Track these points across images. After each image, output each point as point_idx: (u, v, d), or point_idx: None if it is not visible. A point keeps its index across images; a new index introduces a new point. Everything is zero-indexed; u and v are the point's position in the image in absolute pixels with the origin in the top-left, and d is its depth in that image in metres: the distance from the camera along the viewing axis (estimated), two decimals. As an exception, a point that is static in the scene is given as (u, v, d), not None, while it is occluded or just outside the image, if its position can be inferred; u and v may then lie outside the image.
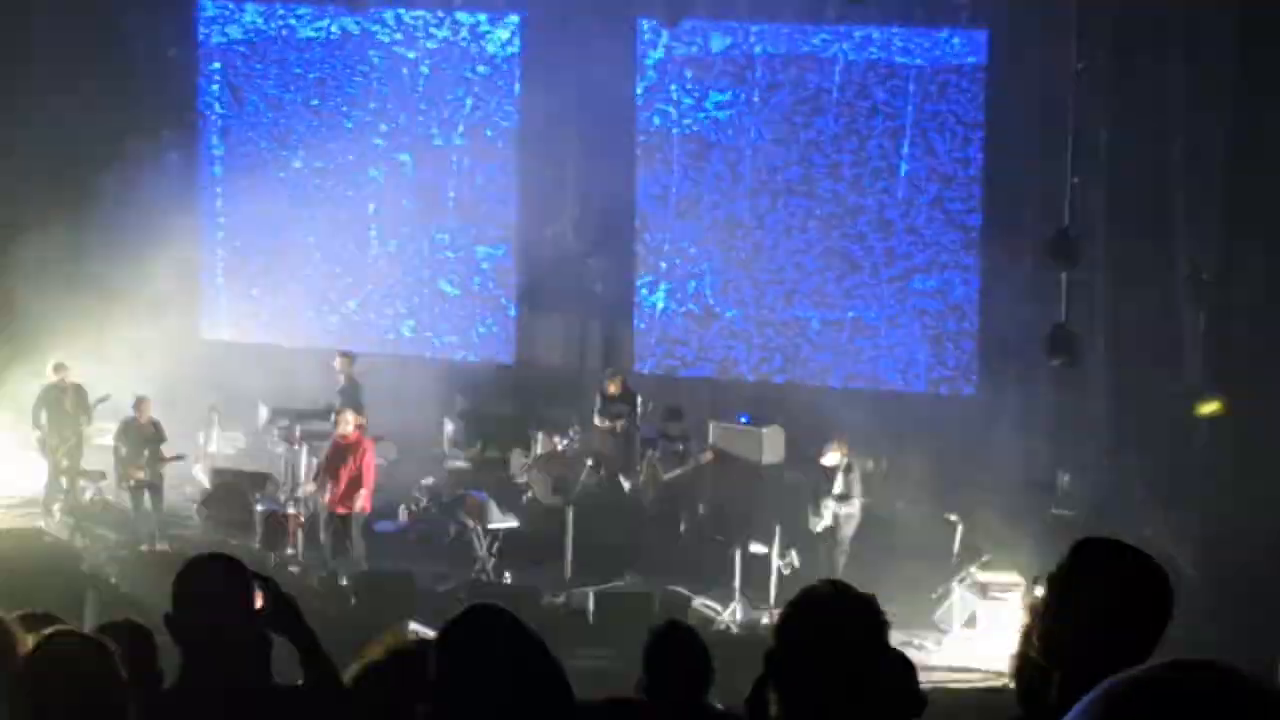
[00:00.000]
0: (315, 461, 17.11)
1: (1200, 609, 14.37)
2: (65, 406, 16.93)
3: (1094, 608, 2.99)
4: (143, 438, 16.24)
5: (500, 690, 3.26)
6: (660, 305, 19.52)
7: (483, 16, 19.91)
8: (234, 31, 20.55)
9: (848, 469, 15.56)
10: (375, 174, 20.24)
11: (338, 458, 15.68)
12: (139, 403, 16.36)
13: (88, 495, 16.86)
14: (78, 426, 16.99)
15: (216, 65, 20.64)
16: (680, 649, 4.90)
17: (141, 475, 16.17)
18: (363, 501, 15.57)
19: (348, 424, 15.64)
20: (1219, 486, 15.43)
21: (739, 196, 19.02)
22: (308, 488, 16.37)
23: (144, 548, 15.79)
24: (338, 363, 18.21)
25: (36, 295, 18.93)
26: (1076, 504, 15.77)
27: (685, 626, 5.25)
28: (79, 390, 17.10)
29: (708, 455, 16.56)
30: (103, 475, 16.86)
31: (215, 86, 20.66)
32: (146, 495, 16.26)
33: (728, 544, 15.95)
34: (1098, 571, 3.07)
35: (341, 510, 15.53)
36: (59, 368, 17.16)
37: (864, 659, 3.11)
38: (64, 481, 16.84)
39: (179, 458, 17.11)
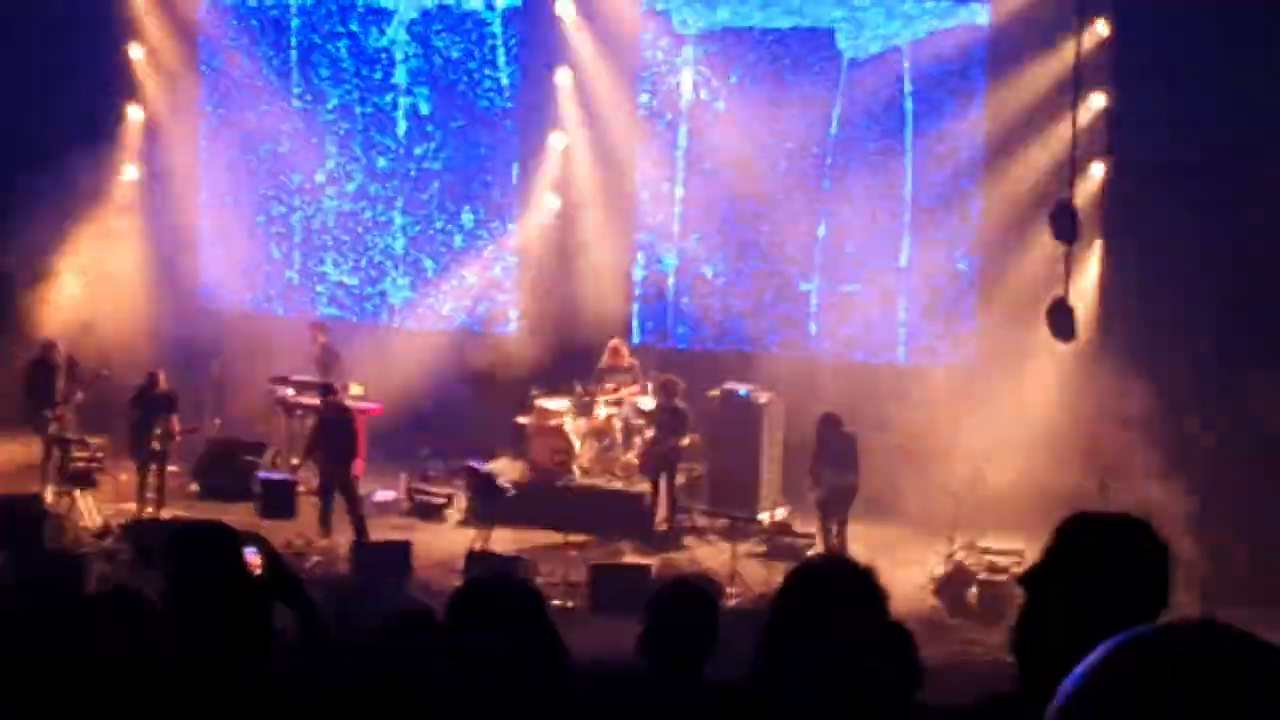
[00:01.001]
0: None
1: (1202, 591, 14.44)
2: (58, 379, 16.94)
3: (1089, 585, 2.96)
4: (156, 407, 16.24)
5: (501, 656, 3.26)
6: (659, 276, 19.48)
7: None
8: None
9: (847, 440, 15.58)
10: (375, 143, 20.18)
11: (329, 427, 15.73)
12: (153, 374, 16.37)
13: (82, 465, 16.81)
14: (71, 399, 16.99)
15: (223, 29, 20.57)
16: (690, 606, 4.58)
17: (156, 446, 16.19)
18: (355, 469, 15.64)
19: (343, 393, 15.77)
20: (1223, 464, 15.44)
21: (739, 170, 18.96)
22: (298, 459, 16.43)
23: (144, 514, 15.84)
24: (310, 333, 18.27)
25: (30, 265, 18.95)
26: (1079, 477, 15.75)
27: (698, 585, 5.06)
28: (71, 362, 17.11)
29: (690, 439, 16.67)
30: (100, 447, 16.87)
31: (228, 40, 20.56)
32: (153, 465, 16.27)
33: (727, 516, 16.00)
34: (1094, 547, 3.04)
35: (335, 479, 15.58)
36: (50, 343, 17.19)
37: (862, 629, 3.10)
38: (57, 452, 16.81)
39: (193, 430, 17.17)
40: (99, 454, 16.95)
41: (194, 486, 17.22)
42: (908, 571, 15.38)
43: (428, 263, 20.19)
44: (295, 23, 20.24)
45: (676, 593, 4.72)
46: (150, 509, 16.04)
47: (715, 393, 17.46)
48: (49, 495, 16.19)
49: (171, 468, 16.69)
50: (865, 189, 18.57)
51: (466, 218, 20.08)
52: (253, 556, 3.79)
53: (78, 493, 16.00)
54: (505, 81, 19.83)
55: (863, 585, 3.17)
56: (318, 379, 17.29)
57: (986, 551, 15.39)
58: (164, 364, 16.86)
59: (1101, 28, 16.72)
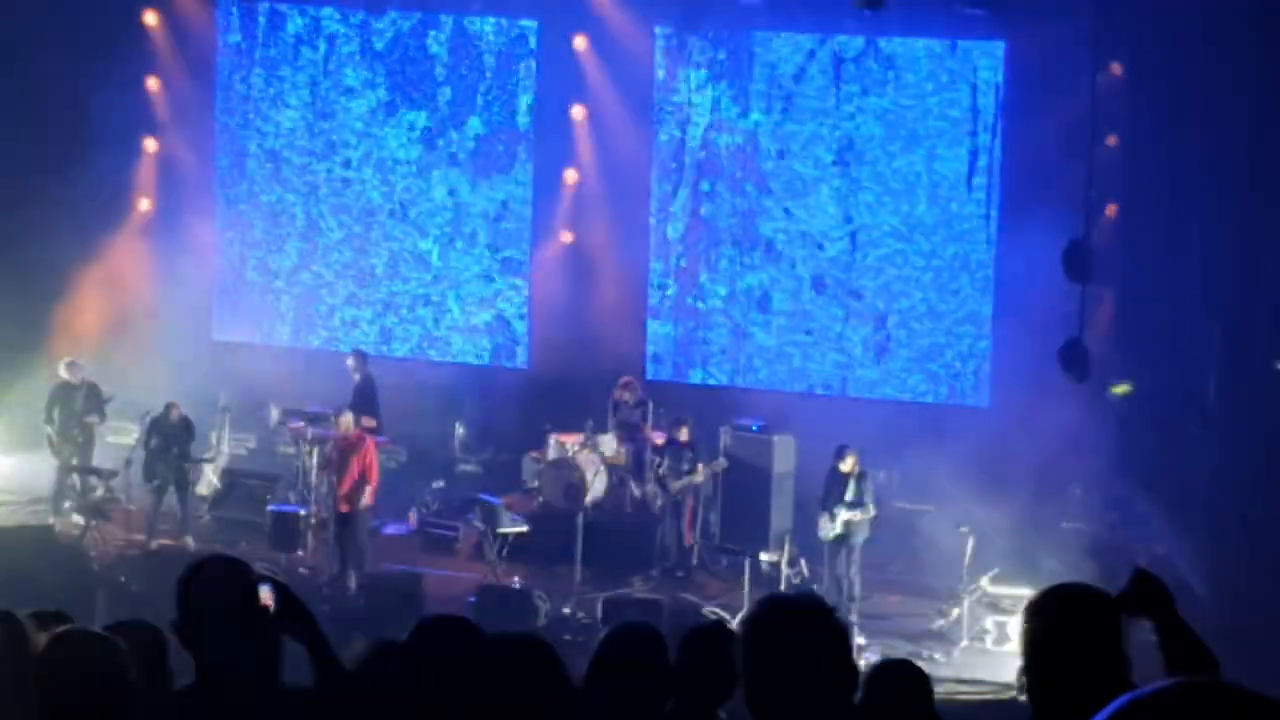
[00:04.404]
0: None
1: (1213, 631, 14.35)
2: (76, 405, 16.98)
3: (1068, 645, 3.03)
4: (172, 436, 16.26)
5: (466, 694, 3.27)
6: (673, 311, 19.51)
7: (492, 24, 19.85)
8: (258, 22, 20.49)
9: (860, 477, 15.53)
10: (391, 177, 20.25)
11: (339, 457, 15.71)
12: (170, 404, 16.41)
13: (98, 493, 16.85)
14: (89, 425, 17.03)
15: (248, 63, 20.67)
16: (718, 651, 4.41)
17: (171, 475, 16.22)
18: (366, 500, 15.56)
19: (347, 424, 15.67)
20: (1230, 505, 15.37)
21: (753, 202, 19.02)
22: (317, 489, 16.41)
23: (154, 545, 15.85)
24: (351, 362, 18.24)
25: (46, 293, 19.02)
26: (1089, 518, 15.72)
27: (716, 625, 4.96)
28: (91, 388, 17.15)
29: (720, 463, 16.60)
30: (114, 474, 16.89)
31: (244, 78, 20.65)
32: (171, 493, 16.28)
33: (737, 552, 15.96)
34: (1060, 613, 3.12)
35: (345, 509, 15.54)
36: (71, 366, 17.22)
37: (823, 662, 3.06)
38: (74, 479, 16.86)
39: (208, 459, 17.19)
40: (112, 483, 16.98)
41: (205, 517, 17.23)
42: (921, 610, 15.33)
43: (440, 295, 20.23)
44: (311, 56, 20.33)
45: (710, 638, 4.63)
46: (170, 540, 16.06)
47: (728, 428, 17.46)
48: (60, 525, 16.20)
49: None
50: (882, 225, 18.60)
51: (480, 251, 20.13)
52: (266, 594, 3.79)
53: (91, 523, 16.00)
54: (521, 116, 19.92)
55: (817, 620, 3.13)
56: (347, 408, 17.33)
57: (999, 592, 15.32)
58: (177, 394, 16.88)
59: (1117, 69, 16.75)
